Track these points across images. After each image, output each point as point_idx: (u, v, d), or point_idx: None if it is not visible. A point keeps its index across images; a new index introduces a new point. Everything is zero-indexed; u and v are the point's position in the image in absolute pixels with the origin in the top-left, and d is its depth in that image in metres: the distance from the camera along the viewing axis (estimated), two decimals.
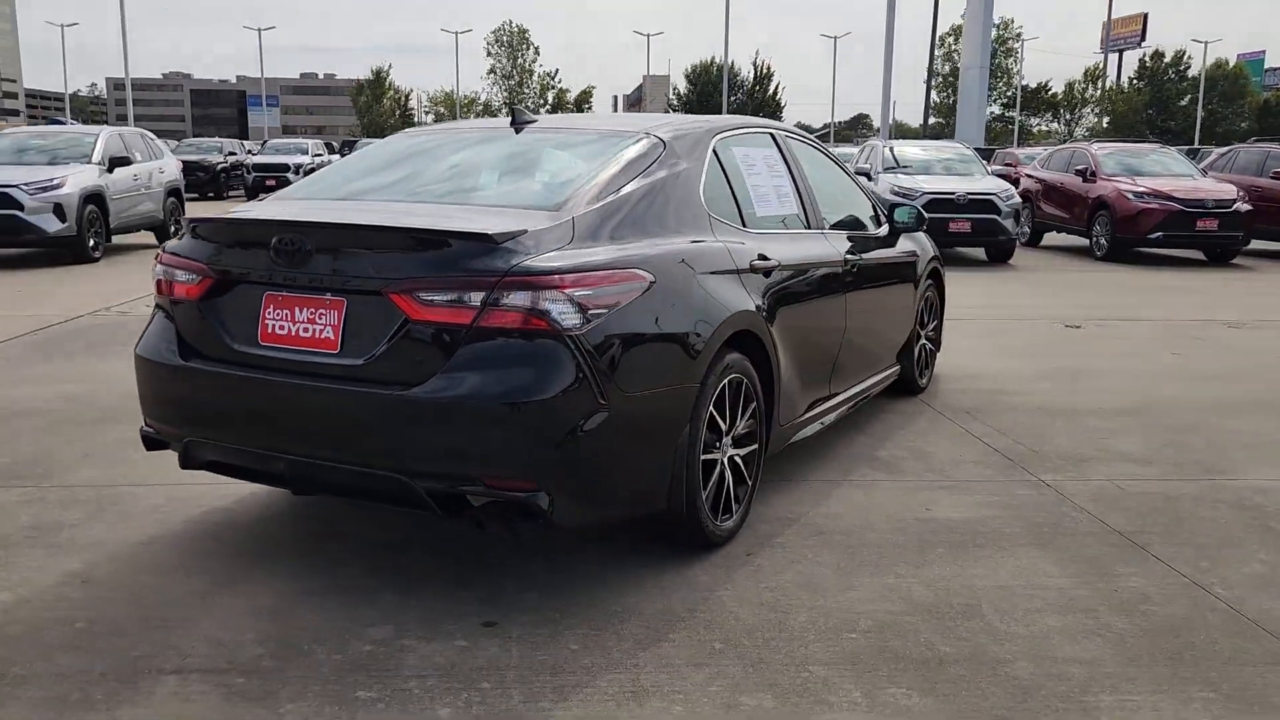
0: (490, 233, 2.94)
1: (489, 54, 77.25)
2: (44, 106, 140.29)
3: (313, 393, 3.05)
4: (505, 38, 76.91)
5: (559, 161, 3.75)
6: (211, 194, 27.53)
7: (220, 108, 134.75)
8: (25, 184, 12.14)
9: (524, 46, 77.63)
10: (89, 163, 13.20)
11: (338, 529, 3.83)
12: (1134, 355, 7.64)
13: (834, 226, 5.26)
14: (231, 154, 30.14)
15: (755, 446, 3.87)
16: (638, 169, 3.56)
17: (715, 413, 3.54)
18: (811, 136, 5.33)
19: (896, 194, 14.27)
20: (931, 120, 74.33)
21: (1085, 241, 15.59)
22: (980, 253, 14.60)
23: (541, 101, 78.23)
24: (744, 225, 4.02)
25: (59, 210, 12.22)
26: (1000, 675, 2.83)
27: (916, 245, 5.90)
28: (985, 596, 3.33)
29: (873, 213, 5.55)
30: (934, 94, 79.26)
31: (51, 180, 12.37)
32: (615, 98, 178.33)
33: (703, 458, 3.50)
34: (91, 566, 3.45)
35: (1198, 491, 4.43)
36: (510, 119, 4.12)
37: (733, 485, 3.74)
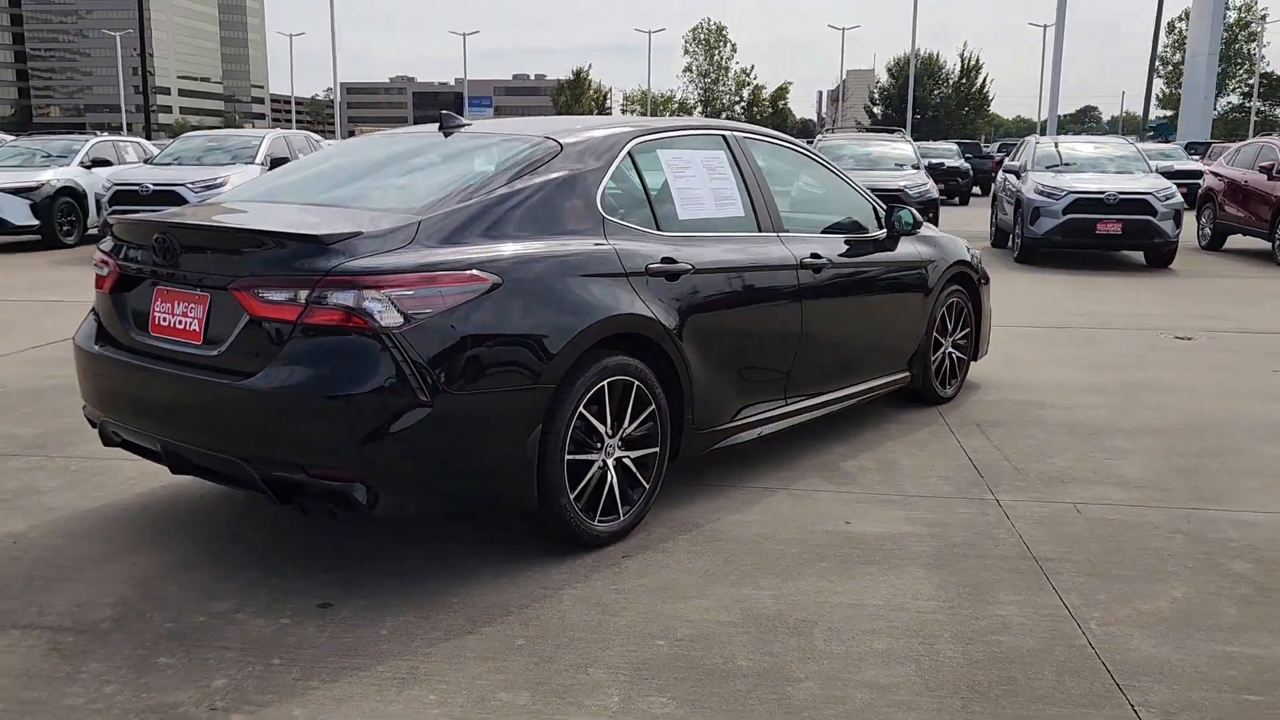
0: (318, 234, 3.12)
1: (686, 52, 77.99)
2: (285, 111, 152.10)
3: (180, 380, 3.32)
4: (703, 35, 77.40)
5: (449, 166, 3.88)
6: None
7: (440, 109, 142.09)
8: (191, 182, 13.34)
9: (721, 44, 77.89)
10: (253, 163, 14.36)
11: (265, 508, 4.09)
12: (1227, 371, 7.02)
13: (827, 230, 5.18)
14: None
15: (655, 450, 3.87)
16: (518, 173, 3.64)
17: (589, 414, 3.57)
18: (795, 140, 5.23)
19: (1040, 193, 13.56)
20: (1160, 113, 69.45)
21: (1269, 245, 14.28)
22: (1140, 256, 13.67)
23: (736, 98, 78.21)
24: (658, 229, 4.03)
25: None
26: (778, 694, 2.76)
27: (932, 249, 5.66)
28: (831, 614, 3.23)
29: (874, 216, 5.38)
30: (1164, 85, 74.02)
31: (215, 179, 13.52)
32: (820, 93, 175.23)
33: (577, 458, 3.56)
34: (31, 529, 3.86)
35: (1165, 521, 4.08)
36: (438, 124, 4.28)
37: (623, 488, 3.76)
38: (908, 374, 5.61)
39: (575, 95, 78.93)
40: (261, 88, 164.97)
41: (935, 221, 13.56)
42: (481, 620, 3.17)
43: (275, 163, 14.67)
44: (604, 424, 3.65)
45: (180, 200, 13.17)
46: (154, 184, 13.30)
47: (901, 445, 5.10)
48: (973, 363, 6.27)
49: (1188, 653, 3.01)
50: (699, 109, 79.31)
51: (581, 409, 3.54)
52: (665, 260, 3.89)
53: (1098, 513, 4.17)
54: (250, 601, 3.27)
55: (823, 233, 5.22)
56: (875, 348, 5.30)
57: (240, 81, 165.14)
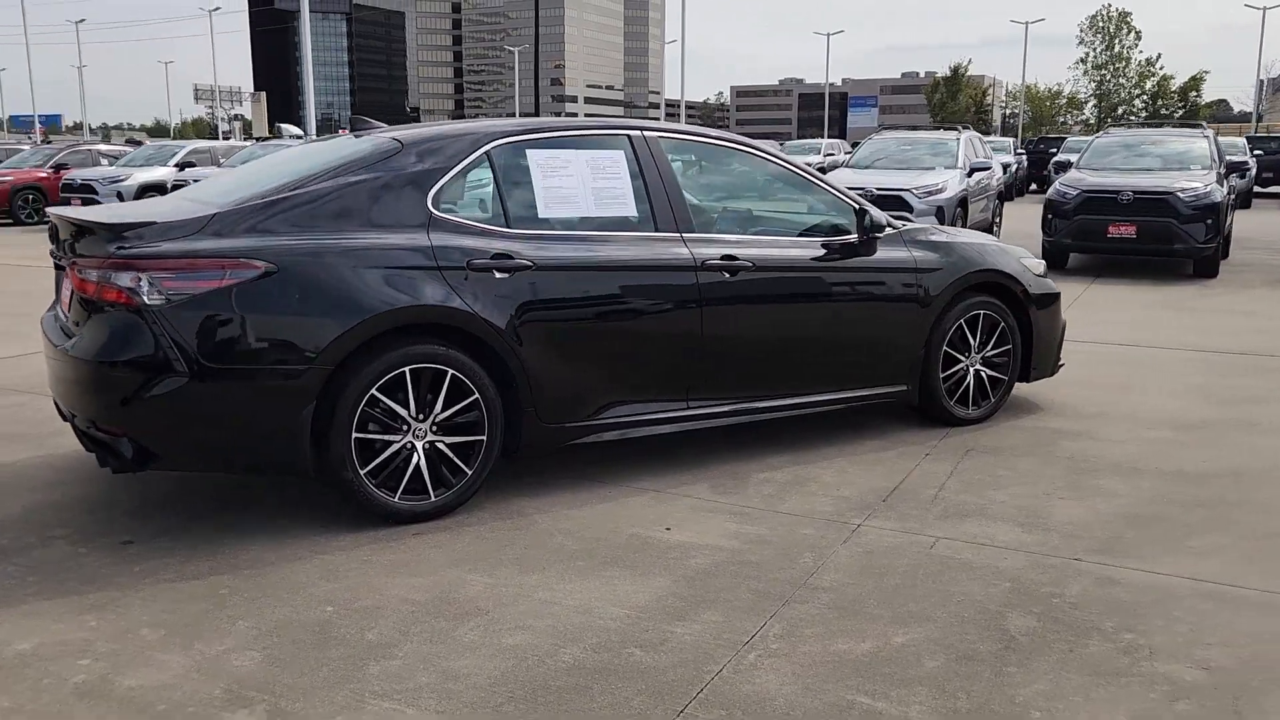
0: (112, 223, 3.67)
1: (1081, 41, 72.29)
2: (676, 115, 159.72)
3: (52, 344, 4.01)
4: (1101, 23, 71.29)
5: (300, 165, 4.24)
6: None
7: (821, 110, 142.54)
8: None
9: (1123, 31, 71.31)
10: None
11: None
12: None
13: (804, 233, 5.03)
14: None
15: (481, 438, 4.04)
16: (336, 172, 3.97)
17: (386, 397, 3.83)
18: (751, 143, 5.04)
19: None
20: None
21: None
22: None
23: (1138, 91, 71.34)
24: (508, 227, 4.16)
25: None
26: (358, 665, 2.90)
27: (938, 255, 5.22)
28: (512, 608, 3.27)
29: (857, 218, 5.08)
30: None
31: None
32: (1261, 82, 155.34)
33: (375, 437, 3.84)
34: (22, 459, 4.78)
35: (1013, 568, 3.60)
36: (350, 127, 4.70)
37: (438, 470, 3.98)
38: (904, 388, 5.22)
39: (951, 92, 75.87)
40: (658, 93, 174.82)
41: (1217, 228, 11.82)
42: (223, 569, 3.56)
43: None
44: (407, 408, 3.89)
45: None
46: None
47: (844, 461, 4.80)
48: (1024, 383, 5.68)
49: (812, 696, 2.75)
50: (1092, 104, 73.33)
51: (375, 391, 3.81)
52: (497, 256, 4.04)
53: (950, 551, 3.75)
54: (80, 532, 3.89)
55: (800, 235, 5.05)
56: (841, 357, 5.00)
57: (639, 88, 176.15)
